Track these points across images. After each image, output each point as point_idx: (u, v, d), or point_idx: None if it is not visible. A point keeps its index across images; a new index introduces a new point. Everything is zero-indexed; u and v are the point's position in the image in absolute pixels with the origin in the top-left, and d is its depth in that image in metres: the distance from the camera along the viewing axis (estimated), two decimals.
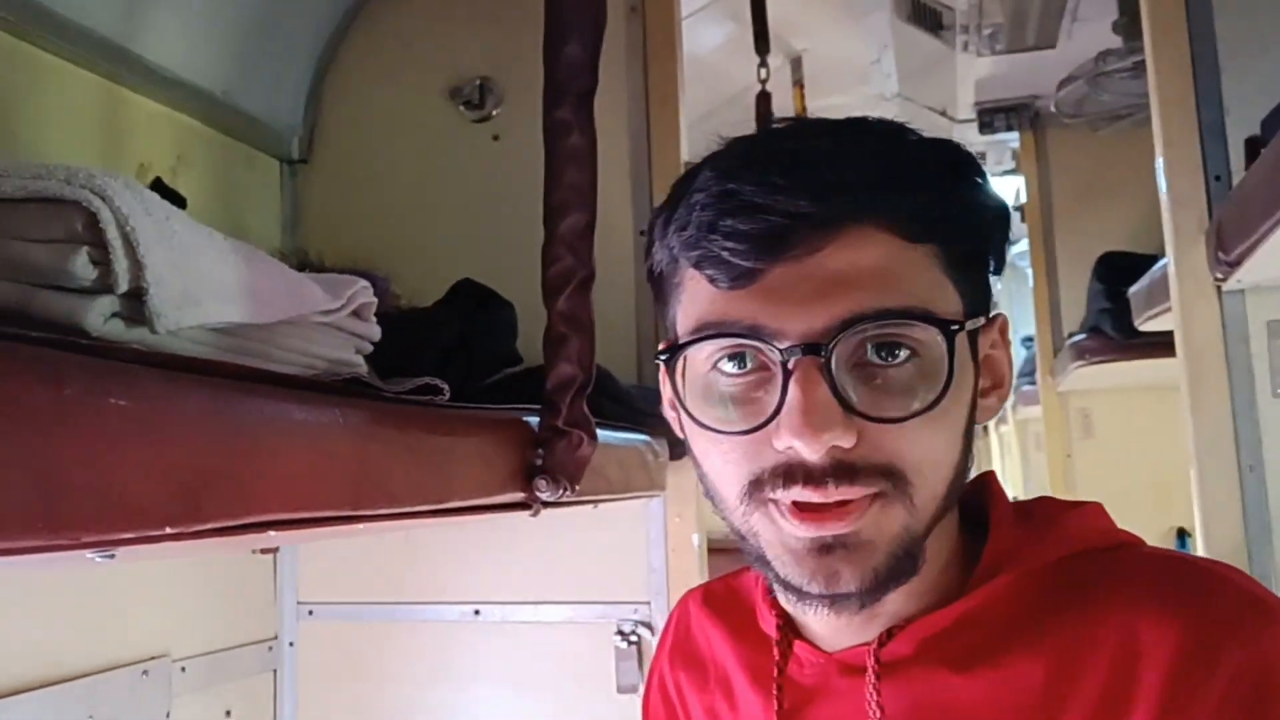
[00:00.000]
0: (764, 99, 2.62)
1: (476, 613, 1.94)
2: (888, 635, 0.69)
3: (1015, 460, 7.10)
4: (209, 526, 0.62)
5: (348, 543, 1.99)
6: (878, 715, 0.68)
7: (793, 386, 0.61)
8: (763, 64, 2.61)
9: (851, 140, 0.66)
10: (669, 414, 0.74)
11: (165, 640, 1.64)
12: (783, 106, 3.36)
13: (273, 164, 1.99)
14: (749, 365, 0.64)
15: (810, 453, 0.61)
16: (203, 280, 0.74)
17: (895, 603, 0.69)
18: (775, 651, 0.75)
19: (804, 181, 0.62)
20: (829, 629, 0.72)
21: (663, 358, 0.68)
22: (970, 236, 0.67)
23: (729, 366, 0.65)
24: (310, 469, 0.73)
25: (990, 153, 4.38)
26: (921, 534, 0.65)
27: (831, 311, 0.61)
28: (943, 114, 4.03)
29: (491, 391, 1.29)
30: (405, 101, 2.02)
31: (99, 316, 0.68)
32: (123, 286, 0.68)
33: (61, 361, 0.53)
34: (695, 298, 0.66)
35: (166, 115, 1.69)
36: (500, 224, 1.85)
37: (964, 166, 0.68)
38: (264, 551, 1.93)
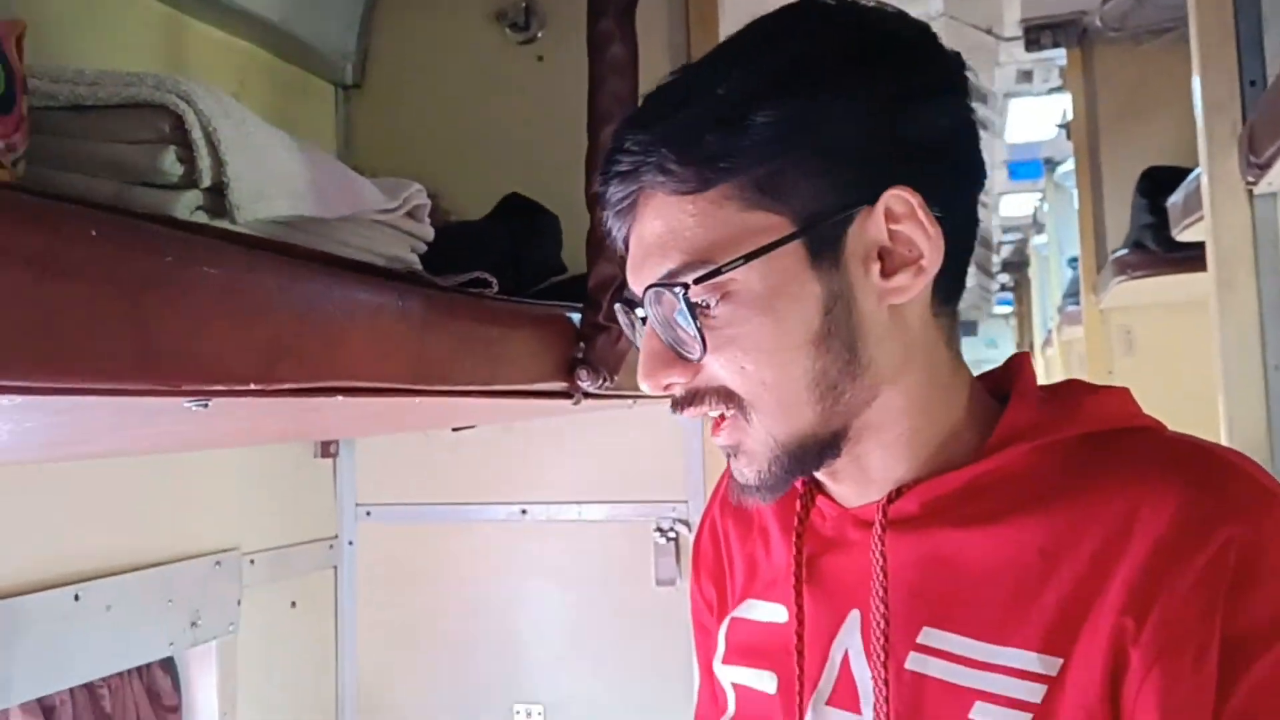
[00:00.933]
0: None
1: (523, 512, 2.05)
2: (896, 493, 0.75)
3: (1060, 379, 7.09)
4: (285, 386, 0.71)
5: (402, 448, 2.11)
6: (880, 563, 0.74)
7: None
8: None
9: (656, 99, 0.72)
10: None
11: (236, 535, 1.77)
12: None
13: (327, 89, 2.07)
14: None
15: (650, 390, 0.73)
16: (275, 177, 0.82)
17: (905, 467, 0.76)
18: (798, 504, 0.81)
19: (617, 154, 0.71)
20: (849, 489, 0.79)
21: None
22: (767, 156, 0.68)
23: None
24: (371, 345, 0.82)
25: (1037, 70, 4.34)
26: (801, 435, 0.72)
27: (641, 279, 0.72)
28: (988, 32, 4.01)
29: (538, 298, 1.38)
30: (452, 25, 2.08)
31: (186, 208, 0.77)
32: (206, 181, 0.77)
33: (163, 234, 0.62)
34: None
35: (227, 42, 1.77)
36: (545, 141, 1.92)
37: (776, 77, 0.68)
38: (324, 455, 2.05)
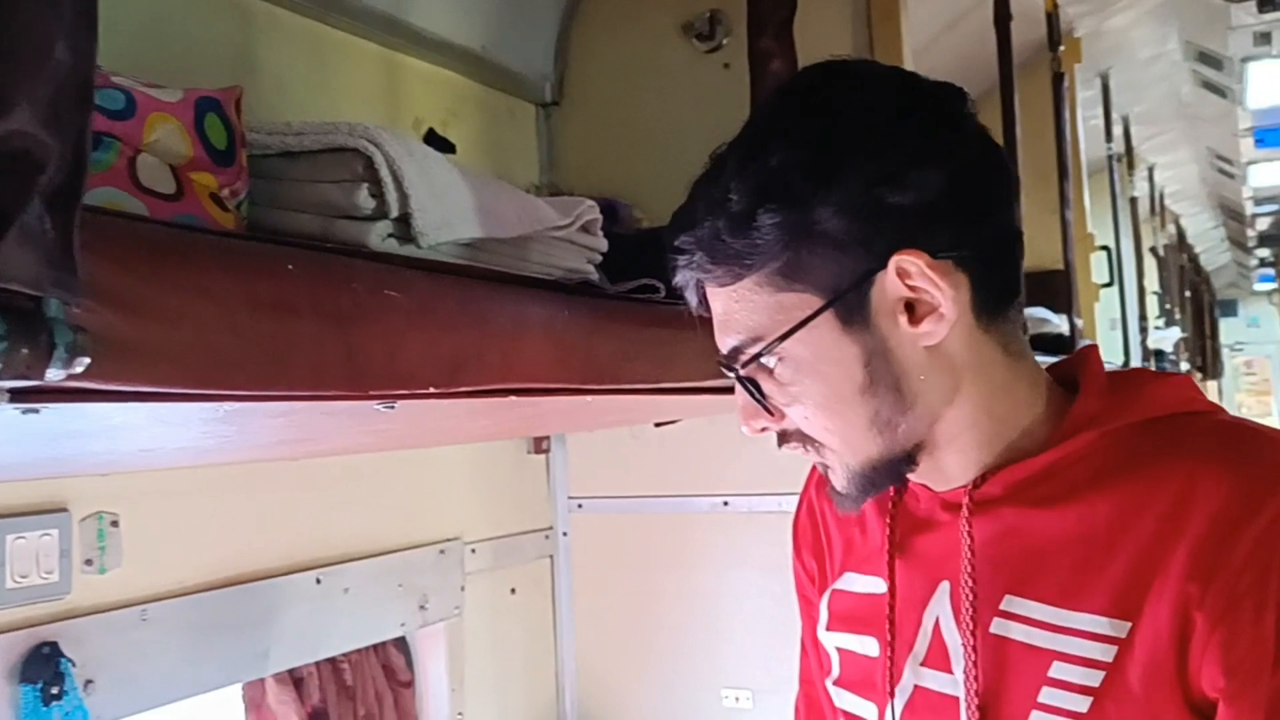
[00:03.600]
0: (1004, 17, 2.52)
1: (725, 504, 2.12)
2: (981, 479, 0.83)
3: None
4: (462, 389, 0.81)
5: (610, 443, 2.22)
6: (969, 541, 0.83)
7: None
8: None
9: (694, 197, 0.81)
10: None
11: (458, 526, 1.93)
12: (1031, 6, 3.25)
13: (529, 109, 2.21)
14: None
15: (749, 434, 0.84)
16: (453, 206, 0.93)
17: (981, 462, 0.84)
18: (892, 490, 0.89)
19: (671, 252, 0.82)
20: (934, 479, 0.87)
21: None
22: (781, 249, 0.77)
23: None
24: (543, 351, 0.91)
25: (1275, 32, 4.04)
26: (872, 461, 0.81)
27: (720, 349, 0.83)
28: None
29: None
30: (644, 40, 2.18)
31: (378, 237, 0.88)
32: (394, 213, 0.88)
33: (352, 265, 0.73)
34: None
35: (436, 74, 1.92)
36: None
37: (768, 186, 0.77)
38: (537, 451, 2.19)
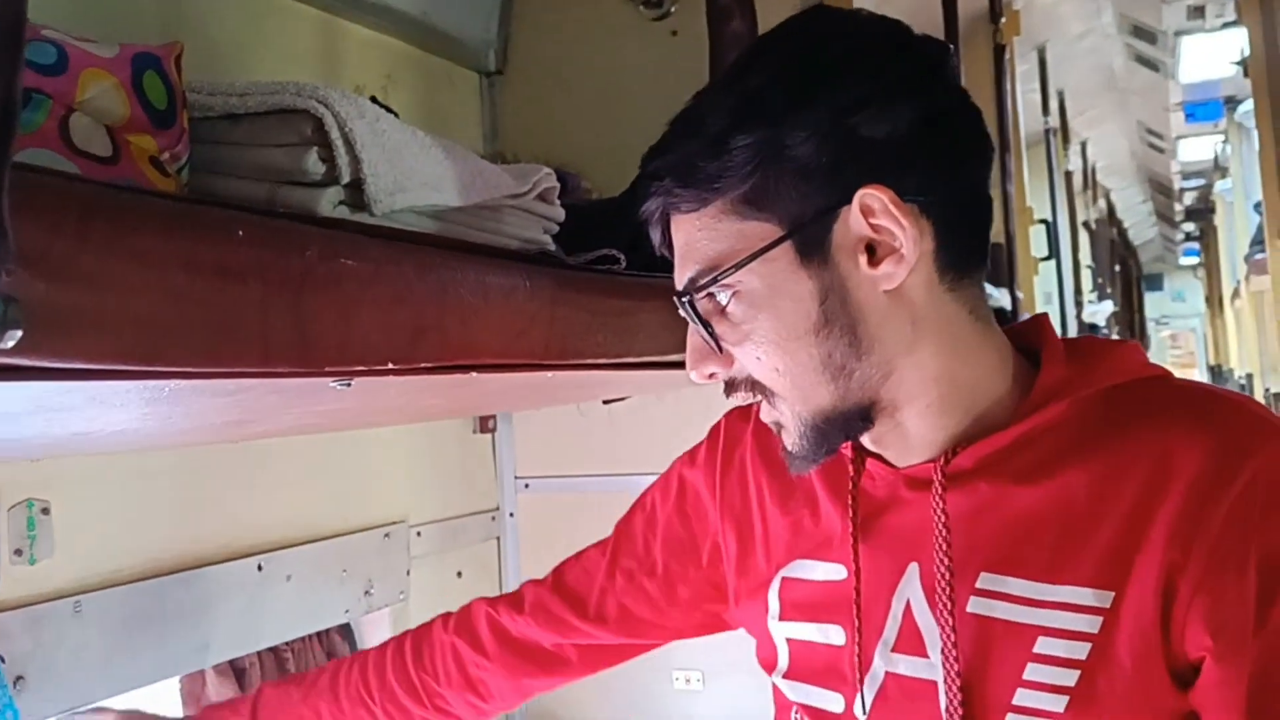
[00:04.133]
0: None
1: None
2: (952, 453, 0.82)
3: (1250, 333, 6.71)
4: (422, 365, 0.76)
5: (557, 422, 2.18)
6: (942, 519, 0.81)
7: None
8: None
9: (671, 129, 0.82)
10: None
11: (403, 508, 1.87)
12: None
13: (471, 77, 2.15)
14: None
15: (696, 380, 0.84)
16: (409, 171, 0.88)
17: (944, 429, 0.82)
18: (850, 469, 0.87)
19: (642, 179, 0.83)
20: (895, 452, 0.85)
21: None
22: (749, 172, 0.77)
23: None
24: (504, 324, 0.87)
25: (1209, 5, 4.11)
26: (824, 411, 0.80)
27: (677, 285, 0.83)
28: None
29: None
30: (589, 7, 2.12)
31: (329, 204, 0.83)
32: (345, 178, 0.83)
33: (305, 231, 0.68)
34: None
35: (375, 39, 1.86)
36: None
37: (744, 107, 0.77)
38: (483, 430, 2.14)
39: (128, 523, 1.27)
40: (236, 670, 1.53)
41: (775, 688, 0.94)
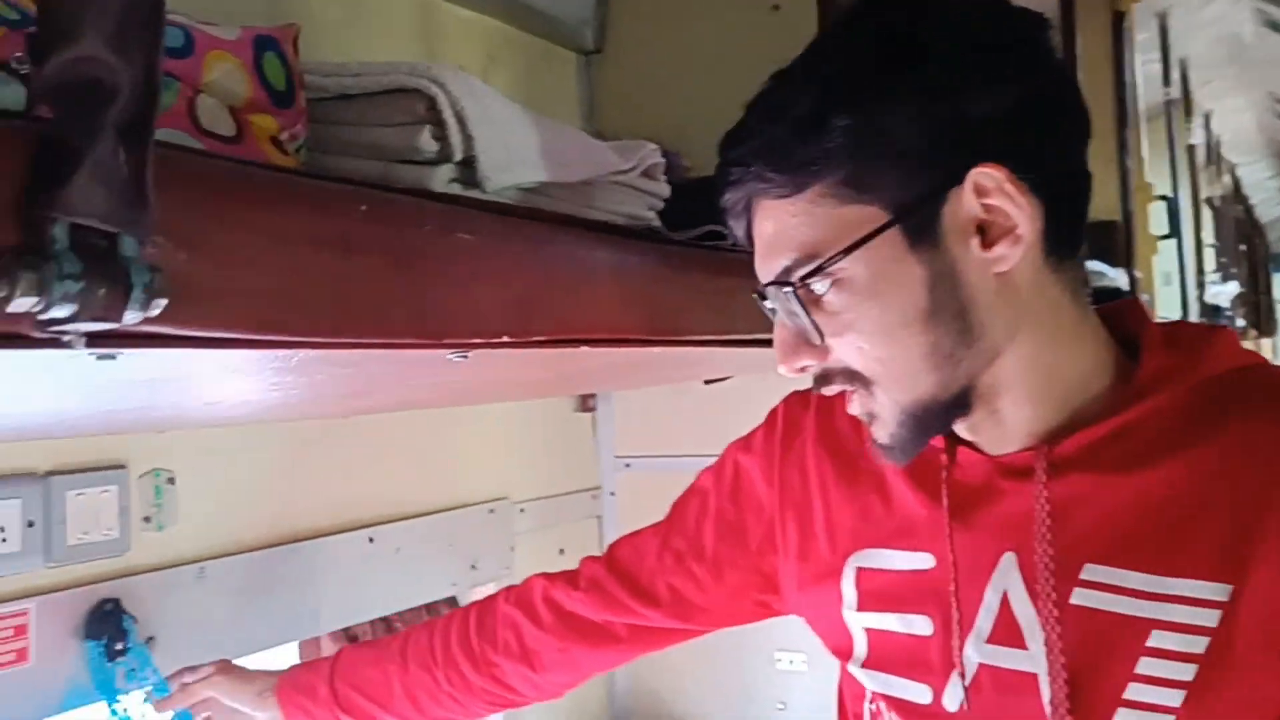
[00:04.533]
0: None
1: None
2: (1055, 441, 0.79)
3: None
4: (535, 338, 0.78)
5: (658, 402, 2.19)
6: (1046, 508, 0.78)
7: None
8: None
9: (752, 112, 0.77)
10: None
11: (507, 486, 1.90)
12: None
13: (570, 56, 2.16)
14: None
15: (787, 373, 0.80)
16: (518, 148, 0.89)
17: (1040, 416, 0.80)
18: (943, 457, 0.84)
19: (724, 166, 0.79)
20: (989, 440, 0.83)
21: None
22: (848, 156, 0.73)
23: None
24: (611, 299, 0.88)
25: None
26: (924, 401, 0.77)
27: (762, 276, 0.79)
28: None
29: None
30: None
31: (441, 181, 0.85)
32: (458, 155, 0.85)
33: (423, 206, 0.70)
34: None
35: (475, 20, 1.88)
36: None
37: (840, 88, 0.73)
38: (584, 409, 2.16)
39: (246, 494, 1.32)
40: (349, 638, 1.57)
41: (847, 674, 0.92)
